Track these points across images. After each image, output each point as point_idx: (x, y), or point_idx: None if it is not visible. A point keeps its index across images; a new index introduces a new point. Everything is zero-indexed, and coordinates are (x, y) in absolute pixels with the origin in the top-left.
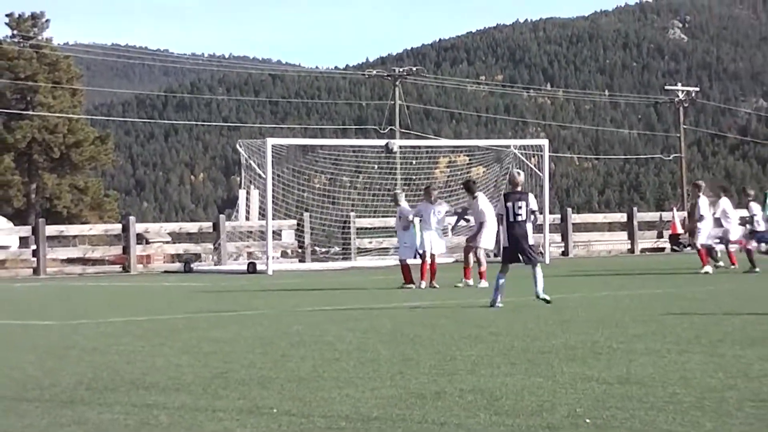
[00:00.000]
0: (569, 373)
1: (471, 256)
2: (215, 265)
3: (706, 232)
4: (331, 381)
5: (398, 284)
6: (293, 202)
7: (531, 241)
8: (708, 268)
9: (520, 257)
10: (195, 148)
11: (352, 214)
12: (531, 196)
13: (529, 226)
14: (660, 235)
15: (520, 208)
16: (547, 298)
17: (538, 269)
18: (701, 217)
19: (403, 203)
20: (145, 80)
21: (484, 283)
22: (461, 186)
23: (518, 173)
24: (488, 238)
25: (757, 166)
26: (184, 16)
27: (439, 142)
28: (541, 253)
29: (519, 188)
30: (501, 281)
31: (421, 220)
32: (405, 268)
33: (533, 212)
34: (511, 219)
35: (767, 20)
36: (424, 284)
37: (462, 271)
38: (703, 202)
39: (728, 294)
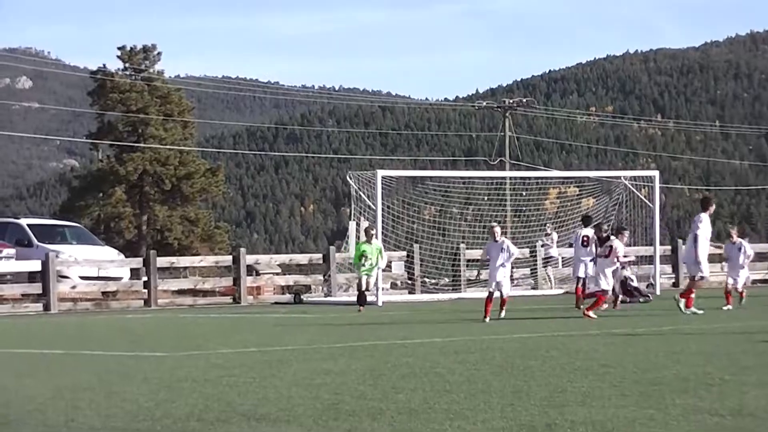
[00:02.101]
0: (681, 405)
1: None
2: (325, 296)
3: None
4: (442, 413)
5: (502, 317)
6: (403, 233)
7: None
8: None
9: None
10: (305, 180)
11: (462, 245)
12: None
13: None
14: None
15: None
16: None
17: None
18: None
19: (499, 238)
20: (256, 112)
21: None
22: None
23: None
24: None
25: None
26: (295, 49)
27: (548, 173)
28: (651, 284)
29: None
30: None
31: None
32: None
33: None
34: None
35: None
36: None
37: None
38: None
39: None
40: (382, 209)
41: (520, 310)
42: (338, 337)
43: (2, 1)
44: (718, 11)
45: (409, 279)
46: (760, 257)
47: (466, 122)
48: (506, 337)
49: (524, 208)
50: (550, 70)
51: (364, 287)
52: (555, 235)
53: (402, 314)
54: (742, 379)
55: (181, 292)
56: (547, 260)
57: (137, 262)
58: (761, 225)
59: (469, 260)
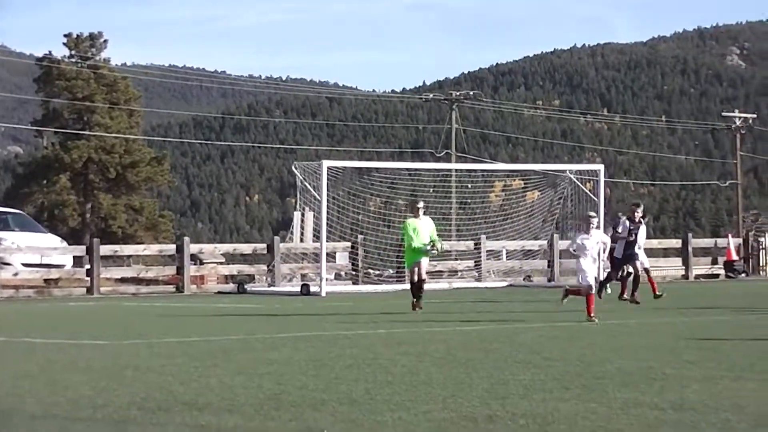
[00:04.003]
0: (622, 398)
1: None
2: (269, 286)
3: None
4: (384, 404)
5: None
6: (348, 224)
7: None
8: None
9: None
10: (251, 170)
11: None
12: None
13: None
14: (715, 262)
15: None
16: None
17: None
18: None
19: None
20: (203, 102)
21: None
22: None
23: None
24: None
25: None
26: (242, 39)
27: (494, 166)
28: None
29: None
30: None
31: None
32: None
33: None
34: None
35: None
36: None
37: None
38: None
39: None
40: (328, 200)
41: (465, 302)
42: (281, 328)
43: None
44: (665, 7)
45: (354, 270)
46: (704, 252)
47: (413, 114)
48: (449, 329)
49: (469, 201)
50: (497, 63)
51: (416, 276)
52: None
53: (346, 305)
54: (684, 374)
55: (124, 281)
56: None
57: (80, 250)
58: (706, 220)
59: None
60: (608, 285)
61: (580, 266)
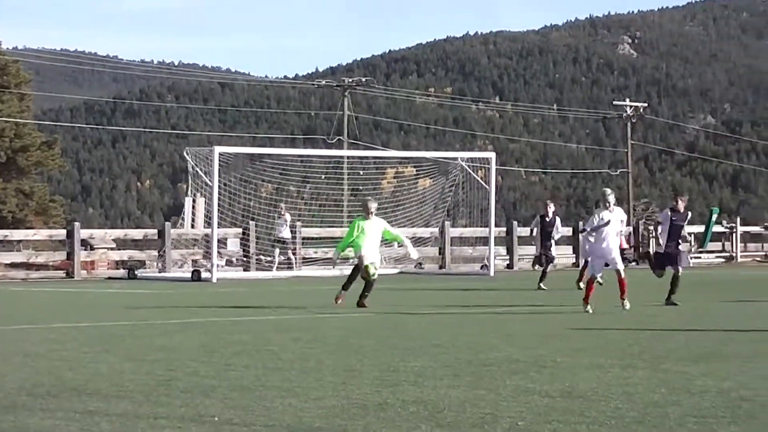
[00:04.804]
0: (512, 386)
1: None
2: (159, 272)
3: None
4: (274, 390)
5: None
6: (239, 210)
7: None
8: None
9: None
10: (142, 155)
11: (299, 223)
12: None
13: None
14: None
15: None
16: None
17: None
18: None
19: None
20: (95, 86)
21: None
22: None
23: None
24: None
25: (704, 183)
26: (134, 23)
27: (386, 153)
28: (485, 265)
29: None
30: None
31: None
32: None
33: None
34: None
35: (717, 37)
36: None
37: None
38: None
39: (674, 311)
40: (219, 186)
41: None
42: (172, 314)
43: None
44: None
45: (245, 256)
46: None
47: (305, 100)
48: (341, 315)
49: (361, 188)
50: (390, 50)
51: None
52: (288, 216)
53: (237, 291)
54: (574, 361)
55: (13, 266)
56: (282, 242)
57: None
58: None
59: (305, 238)
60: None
61: (607, 249)
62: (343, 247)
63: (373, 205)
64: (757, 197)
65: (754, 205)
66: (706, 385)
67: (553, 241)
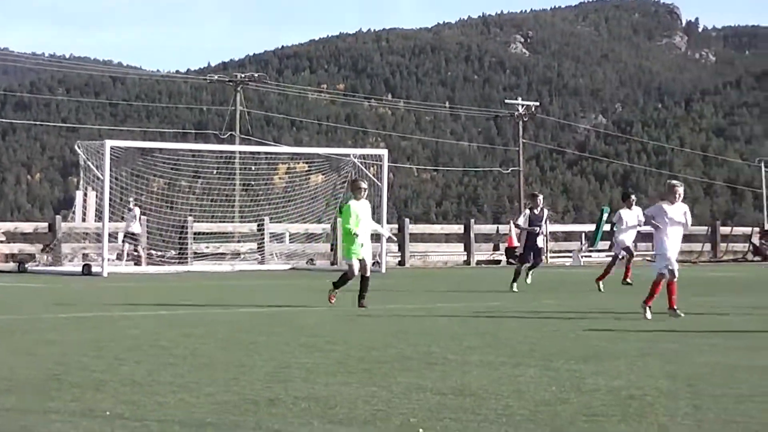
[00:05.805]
0: (404, 383)
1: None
2: (49, 266)
3: None
4: (166, 385)
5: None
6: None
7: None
8: None
9: None
10: (33, 148)
11: (190, 218)
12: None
13: None
14: (496, 248)
15: None
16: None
17: None
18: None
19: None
20: None
21: None
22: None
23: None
24: None
25: (595, 182)
26: (25, 15)
27: (278, 148)
28: (377, 262)
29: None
30: None
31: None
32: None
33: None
34: None
35: (608, 37)
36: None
37: None
38: None
39: (567, 309)
40: (111, 180)
41: (248, 285)
42: (62, 308)
43: None
44: None
45: (135, 251)
46: (486, 238)
47: (197, 95)
48: (232, 311)
49: (253, 183)
50: (282, 46)
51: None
52: (137, 210)
53: (128, 286)
54: (465, 359)
55: None
56: (132, 236)
57: None
58: (488, 207)
59: (197, 233)
60: (530, 273)
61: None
62: (355, 225)
63: (364, 185)
64: (648, 197)
65: (644, 205)
66: (596, 384)
67: (540, 237)
